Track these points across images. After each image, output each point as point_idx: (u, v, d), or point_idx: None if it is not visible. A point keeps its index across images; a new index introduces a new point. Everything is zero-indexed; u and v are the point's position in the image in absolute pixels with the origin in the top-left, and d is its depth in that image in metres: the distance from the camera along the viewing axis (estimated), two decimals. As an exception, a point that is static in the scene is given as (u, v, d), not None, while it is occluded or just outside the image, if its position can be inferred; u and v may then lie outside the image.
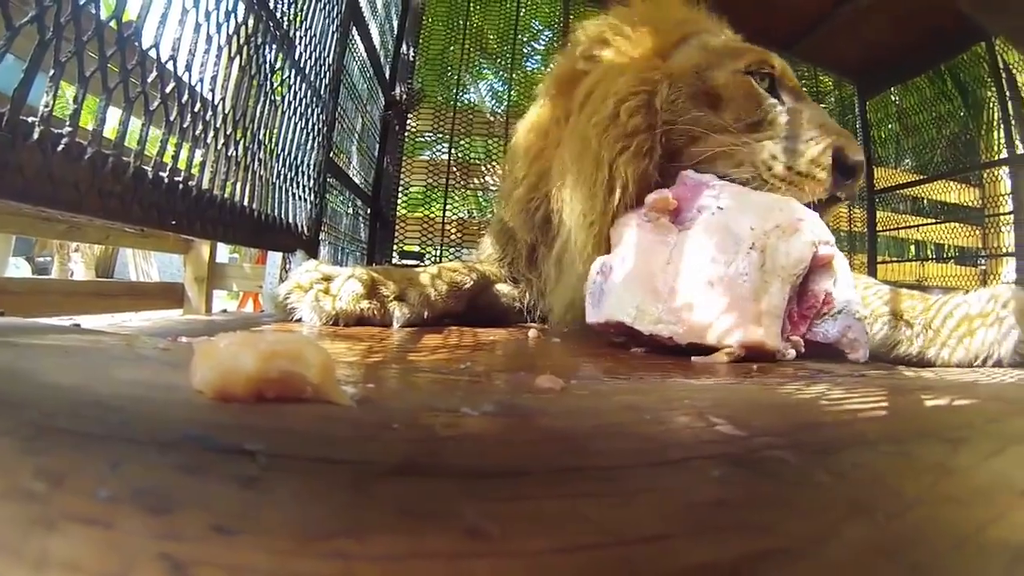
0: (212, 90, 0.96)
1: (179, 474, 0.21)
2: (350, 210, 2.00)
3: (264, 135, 1.16)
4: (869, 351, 0.81)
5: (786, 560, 0.17)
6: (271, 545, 0.16)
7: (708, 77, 0.97)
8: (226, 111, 1.01)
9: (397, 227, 2.31)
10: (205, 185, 0.98)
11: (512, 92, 2.53)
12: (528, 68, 2.65)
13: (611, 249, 0.90)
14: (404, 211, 2.39)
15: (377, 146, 2.21)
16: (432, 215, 2.36)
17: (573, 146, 1.01)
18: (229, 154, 1.04)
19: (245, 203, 1.11)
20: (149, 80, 0.81)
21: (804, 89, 1.06)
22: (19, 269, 3.26)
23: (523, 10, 2.53)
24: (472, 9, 2.52)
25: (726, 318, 0.74)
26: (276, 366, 0.30)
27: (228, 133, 1.03)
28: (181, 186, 0.91)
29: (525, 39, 2.61)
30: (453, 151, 2.40)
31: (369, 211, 2.15)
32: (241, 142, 1.07)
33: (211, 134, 0.97)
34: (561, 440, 0.29)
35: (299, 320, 0.94)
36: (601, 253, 0.92)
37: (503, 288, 1.24)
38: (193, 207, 0.95)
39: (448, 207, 2.38)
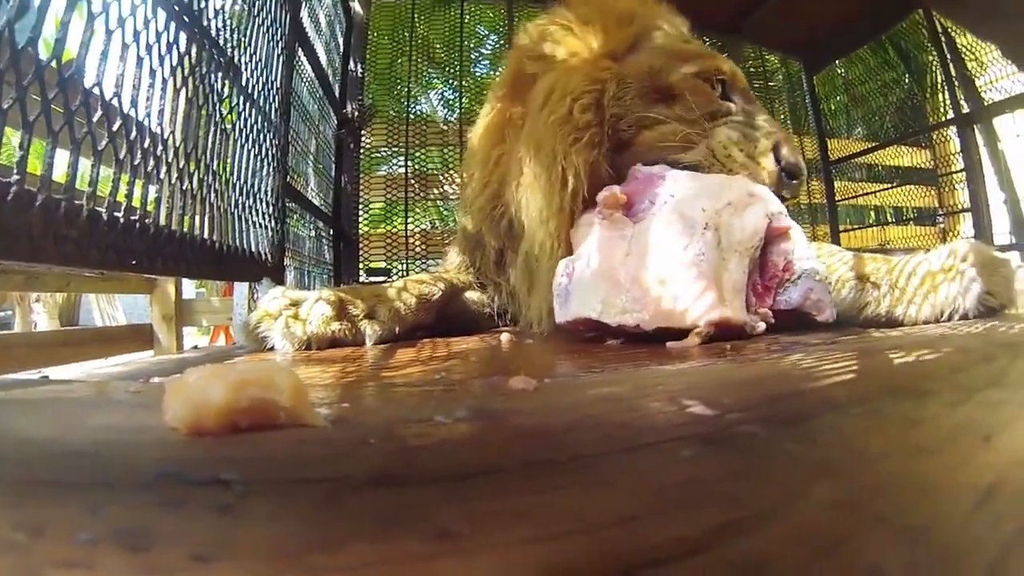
0: (160, 124, 0.95)
1: (157, 510, 0.21)
2: (312, 232, 1.98)
3: (217, 165, 1.15)
4: (838, 315, 0.83)
5: (755, 525, 0.17)
6: (248, 567, 0.16)
7: (661, 77, 1.00)
8: (176, 144, 0.99)
9: (361, 245, 2.29)
10: (162, 221, 0.96)
11: (463, 99, 2.53)
12: (477, 73, 2.65)
13: (573, 251, 0.92)
14: (367, 228, 2.37)
15: (333, 166, 2.19)
16: (395, 230, 2.34)
17: (530, 145, 1.03)
18: (184, 188, 1.02)
19: (205, 236, 1.10)
20: (95, 119, 0.79)
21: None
22: (-20, 325, 3.17)
23: (467, 16, 2.53)
24: (417, 20, 2.51)
25: (689, 299, 0.75)
26: (246, 395, 0.30)
27: (181, 166, 1.01)
28: (138, 225, 0.89)
29: (472, 45, 2.61)
30: (410, 164, 2.39)
31: (332, 231, 2.13)
32: (195, 174, 1.06)
33: (163, 169, 0.96)
34: (535, 436, 0.29)
35: (271, 348, 0.93)
36: (562, 250, 0.95)
37: (472, 295, 1.24)
38: (152, 245, 0.94)
39: (410, 220, 2.36)
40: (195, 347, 1.37)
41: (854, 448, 0.26)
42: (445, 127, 2.50)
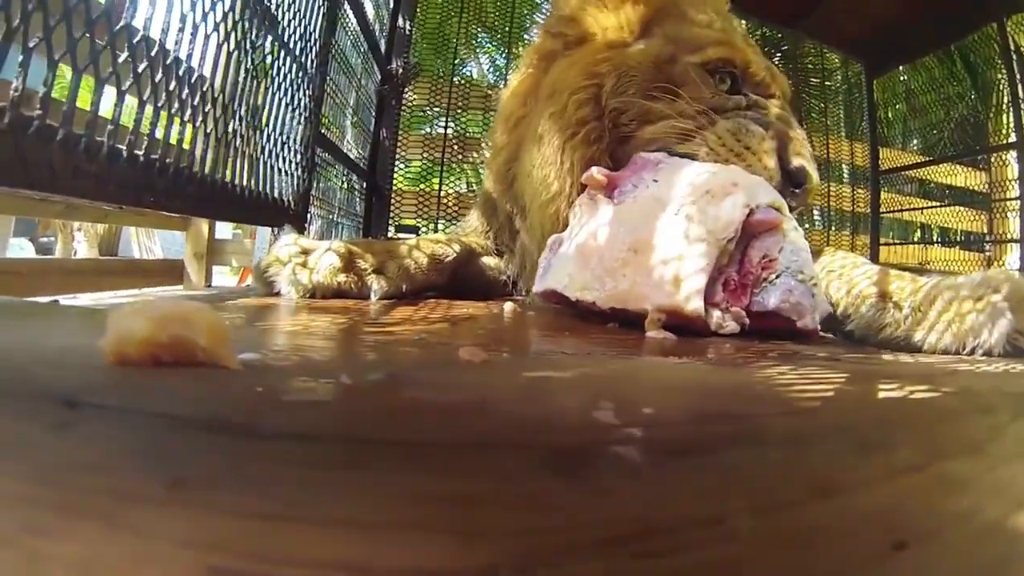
0: (188, 64, 0.95)
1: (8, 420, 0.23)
2: (344, 184, 1.99)
3: (245, 110, 1.15)
4: (856, 333, 0.79)
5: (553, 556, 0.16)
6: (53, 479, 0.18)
7: (665, 69, 0.97)
8: (203, 87, 1.00)
9: (394, 201, 2.30)
10: (183, 162, 0.98)
11: (511, 66, 2.50)
12: (528, 40, 2.61)
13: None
14: (402, 185, 2.38)
15: (373, 120, 2.20)
16: (430, 189, 2.35)
17: (535, 135, 1.04)
18: (208, 131, 1.03)
19: (227, 179, 1.11)
20: (120, 60, 0.80)
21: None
22: (23, 250, 3.29)
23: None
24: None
25: (644, 283, 0.74)
26: (167, 331, 0.32)
27: (207, 110, 1.02)
28: (158, 164, 0.91)
29: (525, 12, 2.56)
30: (451, 125, 2.39)
31: (365, 185, 2.14)
32: (221, 118, 1.07)
33: (187, 111, 0.97)
34: (413, 411, 0.29)
35: (278, 293, 0.94)
36: (558, 230, 0.95)
37: (489, 260, 1.24)
38: (171, 184, 0.95)
39: (446, 181, 2.36)
40: (208, 285, 1.40)
41: (712, 502, 0.21)
42: (490, 92, 2.47)
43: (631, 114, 0.96)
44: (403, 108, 2.31)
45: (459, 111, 2.40)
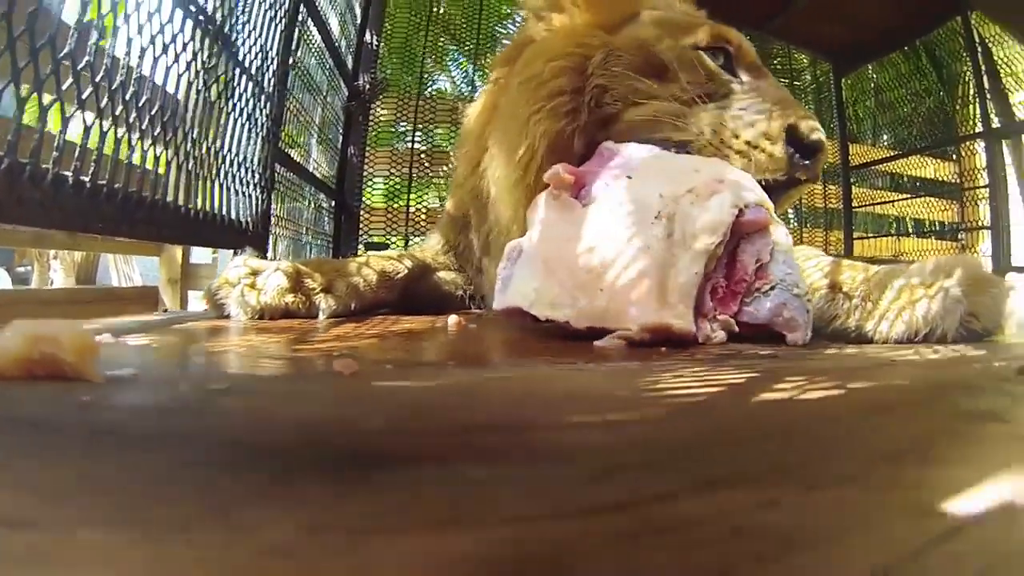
0: (135, 89, 0.95)
1: None
2: (312, 203, 1.99)
3: (198, 132, 1.15)
4: (813, 324, 0.74)
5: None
6: None
7: (655, 50, 0.90)
8: (151, 111, 1.00)
9: (363, 218, 2.29)
10: (132, 186, 0.97)
11: (479, 79, 2.51)
12: (499, 50, 2.61)
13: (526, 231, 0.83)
14: (377, 201, 2.38)
15: (341, 137, 2.20)
16: (398, 205, 2.34)
17: (502, 110, 0.98)
18: (158, 154, 1.03)
19: (179, 202, 1.10)
20: (64, 88, 0.79)
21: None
22: (-2, 281, 3.26)
23: (487, -7, 2.50)
24: (438, -7, 2.50)
25: (623, 300, 0.67)
26: (37, 348, 0.35)
27: (156, 132, 1.02)
28: (105, 189, 0.90)
29: (493, 23, 2.57)
30: (420, 139, 2.39)
31: (333, 203, 2.14)
32: (172, 140, 1.06)
33: (135, 134, 0.96)
34: (211, 413, 0.31)
35: (229, 316, 0.94)
36: (519, 229, 0.88)
37: (445, 275, 1.23)
38: (120, 209, 0.95)
39: (416, 196, 2.36)
40: (164, 310, 1.39)
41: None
42: (460, 105, 2.48)
43: (617, 92, 0.88)
44: (371, 124, 2.31)
45: (428, 125, 2.40)
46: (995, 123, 2.47)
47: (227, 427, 0.29)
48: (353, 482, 0.21)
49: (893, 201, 2.96)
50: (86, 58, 0.82)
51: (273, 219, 1.55)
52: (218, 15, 1.17)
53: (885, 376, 0.49)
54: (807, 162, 0.84)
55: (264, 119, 1.41)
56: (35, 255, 3.28)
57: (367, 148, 2.29)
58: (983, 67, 2.49)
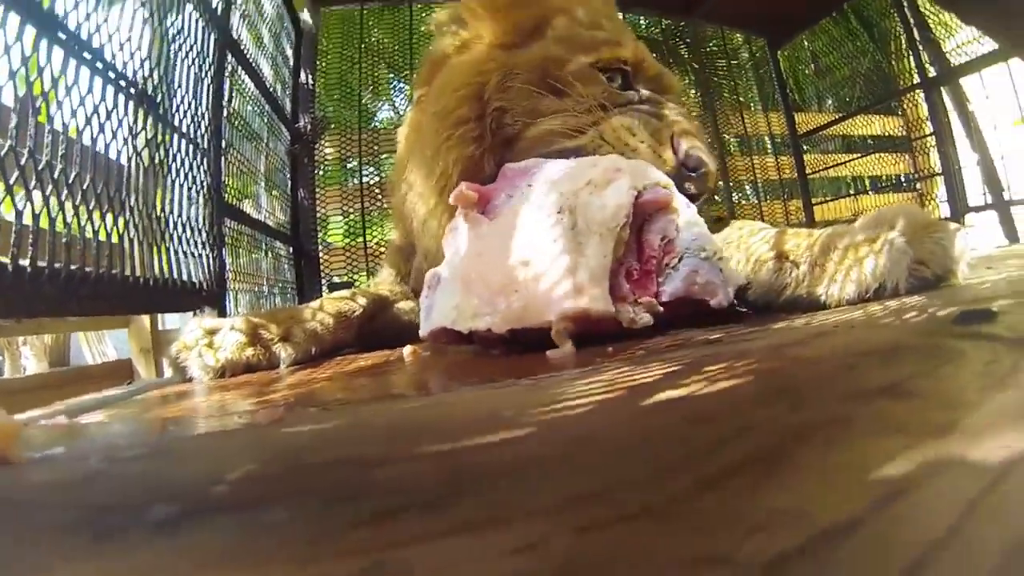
0: (63, 168, 0.94)
1: None
2: (269, 253, 1.97)
3: (135, 199, 1.14)
4: (761, 299, 0.77)
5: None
6: None
7: (554, 70, 0.93)
8: (83, 185, 0.99)
9: (323, 260, 2.28)
10: (74, 263, 0.96)
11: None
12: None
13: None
14: (336, 239, 2.37)
15: (289, 182, 2.18)
16: (358, 242, 2.33)
17: (418, 140, 1.01)
18: (96, 227, 1.02)
19: (127, 272, 1.09)
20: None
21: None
22: (-33, 374, 3.20)
23: (415, 18, 2.50)
24: (368, 25, 2.49)
25: (539, 296, 0.68)
26: None
27: (92, 206, 1.01)
28: (46, 270, 0.89)
29: (424, 46, 2.57)
30: (369, 173, 2.38)
31: (291, 249, 2.13)
32: (108, 211, 1.05)
33: (70, 213, 0.95)
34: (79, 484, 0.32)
35: (191, 379, 0.93)
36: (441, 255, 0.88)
37: (404, 305, 1.23)
38: (64, 289, 0.93)
39: (373, 231, 2.34)
40: (128, 383, 1.37)
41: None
42: (395, 131, 2.47)
43: (516, 112, 0.92)
44: (318, 164, 2.30)
45: (375, 157, 2.39)
46: (931, 72, 2.52)
47: (96, 492, 0.30)
48: (162, 533, 0.22)
49: (845, 162, 3.00)
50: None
51: (230, 275, 1.54)
52: (139, 79, 1.17)
53: (813, 348, 0.48)
54: (694, 174, 0.87)
55: (204, 176, 1.40)
56: (3, 343, 3.23)
57: (318, 189, 2.28)
58: (911, 20, 2.54)
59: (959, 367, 0.33)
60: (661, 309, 0.71)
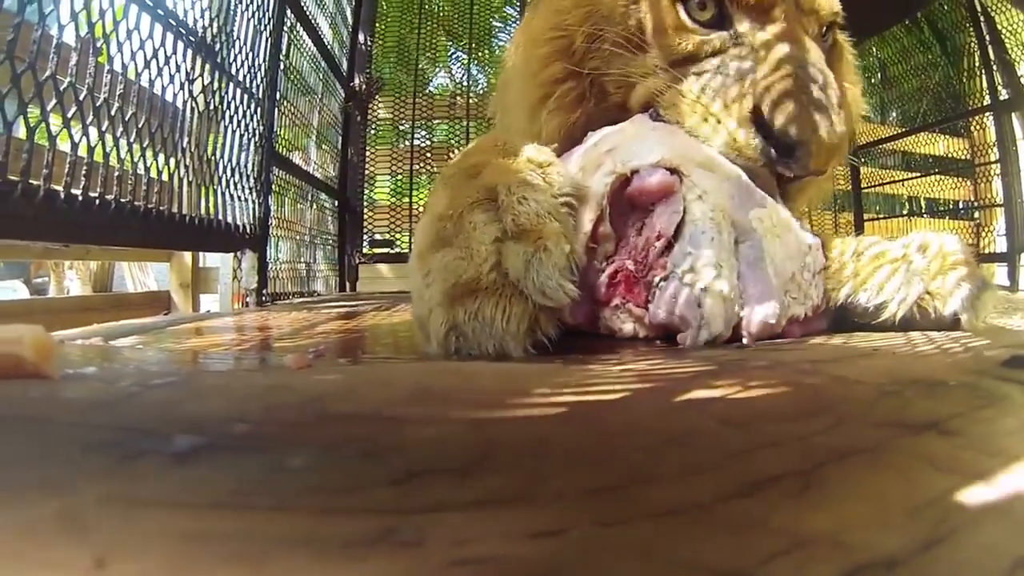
0: (120, 107, 0.96)
1: None
2: (314, 205, 2.00)
3: (189, 140, 1.16)
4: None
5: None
6: None
7: (633, 14, 0.77)
8: (139, 122, 1.01)
9: (367, 216, 2.31)
10: (124, 196, 0.98)
11: (475, 72, 2.51)
12: (496, 45, 2.60)
13: None
14: (383, 198, 2.40)
15: (340, 139, 2.21)
16: (401, 203, 2.35)
17: (515, 77, 0.91)
18: (148, 164, 1.04)
19: (174, 210, 1.12)
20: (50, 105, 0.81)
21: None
22: (15, 292, 3.32)
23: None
24: (428, -10, 2.49)
25: None
26: (1, 349, 0.37)
27: (144, 144, 1.03)
28: (97, 201, 0.91)
29: (486, 16, 2.55)
30: (421, 137, 2.40)
31: (336, 203, 2.15)
32: (161, 150, 1.07)
33: (125, 148, 0.97)
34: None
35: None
36: None
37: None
38: (114, 219, 0.96)
39: (419, 193, 2.37)
40: (166, 313, 1.40)
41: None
42: (459, 99, 2.48)
43: (614, 76, 0.78)
44: (370, 123, 2.32)
45: (427, 122, 2.40)
46: (1003, 95, 2.41)
47: (124, 415, 0.31)
48: (183, 464, 0.23)
49: (903, 180, 2.90)
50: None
51: (273, 222, 1.57)
52: (199, 28, 1.18)
53: (852, 368, 0.46)
54: (788, 160, 0.68)
55: (257, 125, 1.42)
56: (51, 266, 3.34)
57: (368, 147, 2.30)
58: (987, 37, 2.43)
59: (1004, 412, 0.32)
60: (644, 333, 0.63)
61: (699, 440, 0.27)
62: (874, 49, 2.93)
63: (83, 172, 0.87)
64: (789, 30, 0.74)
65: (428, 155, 2.41)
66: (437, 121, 2.47)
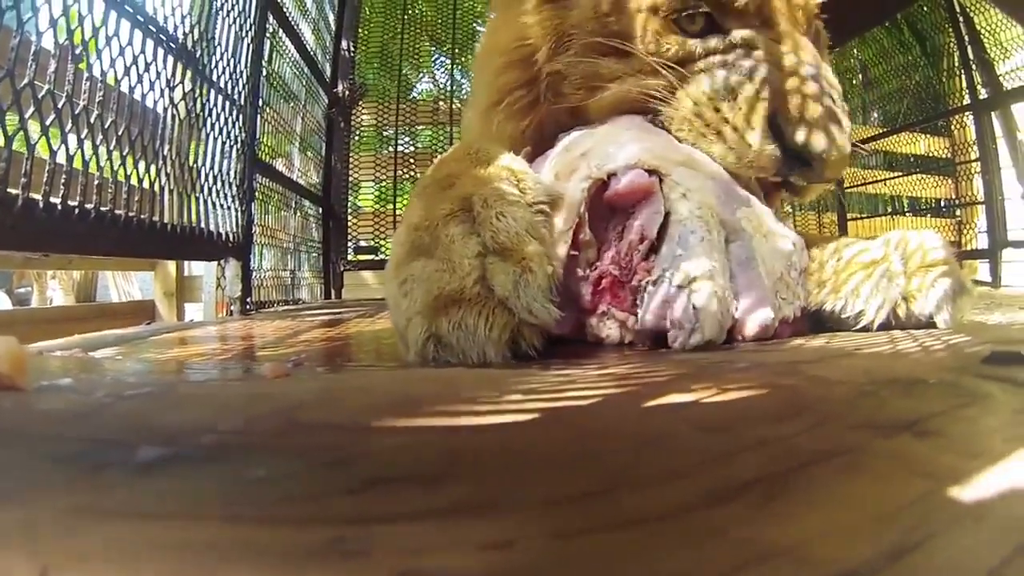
0: (99, 114, 0.95)
1: None
2: (298, 212, 2.00)
3: (169, 149, 1.15)
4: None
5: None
6: None
7: (611, 22, 0.75)
8: (118, 133, 1.00)
9: (351, 223, 2.31)
10: (104, 205, 0.97)
11: (459, 77, 2.52)
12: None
13: None
14: (367, 204, 2.40)
15: (324, 145, 2.20)
16: (386, 209, 2.36)
17: (474, 83, 0.96)
18: (128, 172, 1.03)
19: (155, 219, 1.11)
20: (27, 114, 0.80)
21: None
22: (-2, 303, 3.28)
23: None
24: (410, -4, 2.50)
25: None
26: None
27: (125, 152, 1.02)
28: (76, 210, 0.90)
29: (468, 21, 2.55)
30: (405, 143, 2.40)
31: (320, 210, 2.15)
32: (141, 159, 1.06)
33: (105, 156, 0.97)
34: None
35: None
36: None
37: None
38: (93, 228, 0.95)
39: (403, 198, 2.37)
40: (148, 323, 1.39)
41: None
42: (441, 104, 2.48)
43: (575, 78, 0.77)
44: (354, 130, 2.32)
45: (411, 128, 2.41)
46: (982, 94, 2.43)
47: (94, 426, 0.31)
48: (146, 474, 0.23)
49: (885, 180, 2.92)
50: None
51: (257, 229, 1.56)
52: (180, 34, 1.17)
53: (832, 368, 0.46)
54: (805, 169, 0.68)
55: (239, 132, 1.41)
56: (34, 276, 3.30)
57: (352, 154, 2.30)
58: (966, 37, 2.45)
59: (985, 411, 0.32)
60: (630, 339, 0.62)
61: (669, 445, 0.26)
62: (855, 51, 2.96)
63: (62, 180, 0.87)
64: (786, 32, 0.73)
65: (412, 161, 2.42)
66: (421, 127, 2.47)
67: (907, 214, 2.97)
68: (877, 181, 2.92)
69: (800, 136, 0.66)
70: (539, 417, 0.31)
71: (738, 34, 0.72)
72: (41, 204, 0.84)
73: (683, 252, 0.58)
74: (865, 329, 0.66)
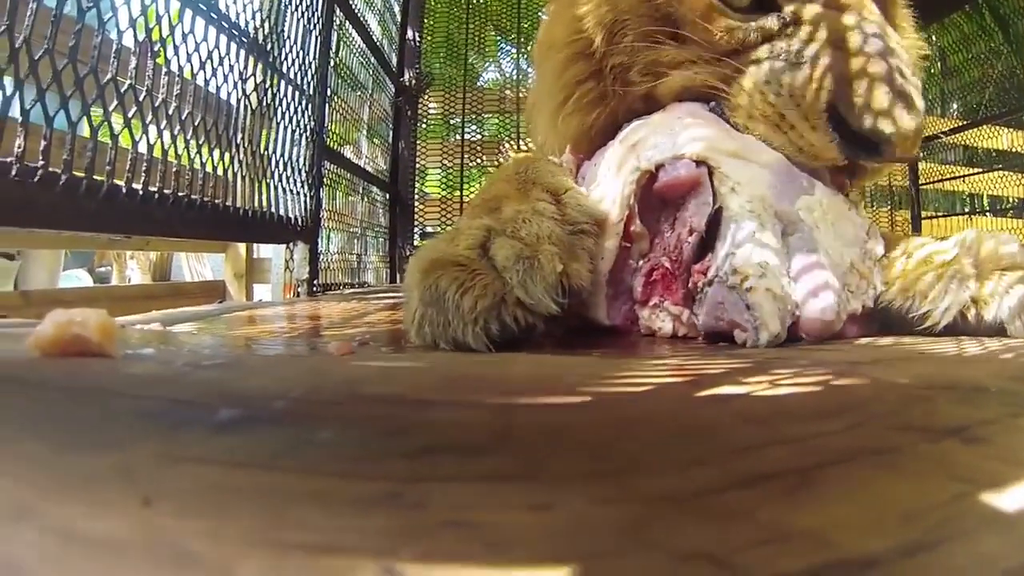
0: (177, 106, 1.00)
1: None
2: (365, 198, 2.05)
3: (243, 137, 1.21)
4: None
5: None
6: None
7: (663, 5, 0.72)
8: (195, 123, 1.05)
9: (418, 209, 2.35)
10: (182, 191, 1.03)
11: (525, 66, 2.53)
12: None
13: None
14: (434, 190, 2.45)
15: (391, 133, 2.25)
16: (452, 196, 2.40)
17: (538, 71, 0.92)
18: (204, 160, 1.08)
19: (229, 203, 1.16)
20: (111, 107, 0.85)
21: None
22: (80, 280, 3.46)
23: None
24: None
25: None
26: (68, 330, 0.41)
27: (201, 141, 1.07)
28: (156, 195, 0.96)
29: (534, 9, 2.55)
30: (472, 131, 2.44)
31: (388, 196, 2.20)
32: (216, 147, 1.12)
33: (182, 145, 1.02)
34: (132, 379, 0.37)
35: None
36: None
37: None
38: (170, 213, 1.01)
39: (469, 184, 2.42)
40: (220, 301, 1.46)
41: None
42: (508, 92, 2.51)
43: (640, 67, 0.74)
44: (421, 118, 2.36)
45: (478, 116, 2.44)
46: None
47: (175, 389, 0.34)
48: (224, 432, 0.26)
49: (963, 176, 2.77)
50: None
51: (325, 214, 1.61)
52: (251, 29, 1.22)
53: (892, 371, 0.45)
54: (872, 153, 0.64)
55: (308, 120, 1.46)
56: (113, 256, 3.47)
57: (419, 141, 2.35)
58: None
59: (1040, 421, 0.31)
60: (683, 332, 0.62)
61: (712, 433, 0.27)
62: (933, 37, 2.80)
63: (143, 168, 0.92)
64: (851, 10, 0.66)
65: (479, 148, 2.46)
66: (487, 115, 2.50)
67: (987, 214, 2.82)
68: (955, 178, 2.77)
69: (867, 122, 0.61)
70: (589, 401, 0.33)
71: (791, 9, 0.67)
72: (124, 190, 0.89)
73: (734, 251, 0.57)
74: (929, 331, 0.63)
